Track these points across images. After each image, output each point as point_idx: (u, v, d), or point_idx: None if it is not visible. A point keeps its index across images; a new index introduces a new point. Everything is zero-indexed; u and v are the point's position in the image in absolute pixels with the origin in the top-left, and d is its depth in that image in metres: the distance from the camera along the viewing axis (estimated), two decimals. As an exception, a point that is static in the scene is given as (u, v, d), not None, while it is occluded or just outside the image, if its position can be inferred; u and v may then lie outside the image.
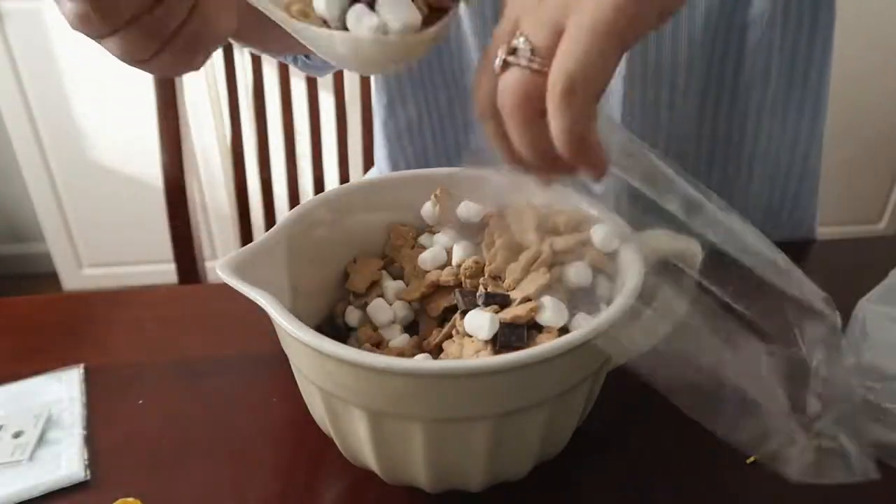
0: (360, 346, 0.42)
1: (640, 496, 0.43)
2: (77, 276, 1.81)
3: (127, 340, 0.56)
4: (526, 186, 0.40)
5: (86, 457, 0.45)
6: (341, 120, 1.00)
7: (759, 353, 0.35)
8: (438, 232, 0.46)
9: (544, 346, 0.33)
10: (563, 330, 0.38)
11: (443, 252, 0.44)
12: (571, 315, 0.38)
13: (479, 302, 0.39)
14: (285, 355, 0.39)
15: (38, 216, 1.71)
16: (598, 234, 0.41)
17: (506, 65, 0.30)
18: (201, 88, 1.53)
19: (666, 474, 0.44)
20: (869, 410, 0.43)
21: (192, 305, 0.61)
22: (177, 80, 0.88)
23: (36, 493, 0.42)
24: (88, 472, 0.44)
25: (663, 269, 0.38)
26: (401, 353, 0.41)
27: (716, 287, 0.35)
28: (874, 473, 0.34)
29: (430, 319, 0.43)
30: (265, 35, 0.52)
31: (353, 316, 0.44)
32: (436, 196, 0.46)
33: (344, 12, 0.33)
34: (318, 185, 1.01)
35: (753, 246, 0.35)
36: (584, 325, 0.35)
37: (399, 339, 0.42)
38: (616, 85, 0.61)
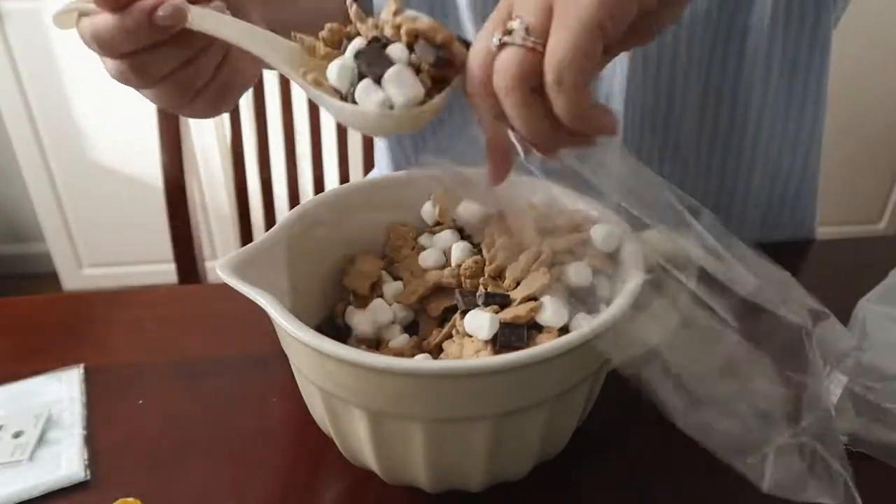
0: (359, 346, 0.42)
1: (640, 496, 0.43)
2: (77, 276, 1.80)
3: (127, 340, 0.56)
4: (468, 184, 0.43)
5: (86, 457, 0.45)
6: (341, 120, 0.99)
7: (748, 359, 0.35)
8: (438, 232, 0.46)
9: (544, 346, 0.33)
10: (564, 330, 0.38)
11: (443, 252, 0.44)
12: (571, 315, 0.38)
13: (479, 302, 0.39)
14: (285, 355, 0.39)
15: (38, 216, 1.71)
16: (598, 234, 0.41)
17: (502, 45, 0.32)
18: (201, 88, 1.53)
19: (666, 474, 0.44)
20: (869, 410, 0.43)
21: (192, 305, 0.61)
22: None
23: (36, 493, 0.42)
24: (88, 472, 0.44)
25: (663, 269, 0.38)
26: (401, 354, 0.41)
27: (708, 297, 0.36)
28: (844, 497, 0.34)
29: (430, 319, 0.43)
30: None
31: (353, 316, 0.44)
32: (436, 196, 0.46)
33: (354, 84, 0.34)
34: (318, 185, 1.01)
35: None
36: (584, 325, 0.35)
37: (399, 339, 0.42)
38: (618, 86, 0.61)
